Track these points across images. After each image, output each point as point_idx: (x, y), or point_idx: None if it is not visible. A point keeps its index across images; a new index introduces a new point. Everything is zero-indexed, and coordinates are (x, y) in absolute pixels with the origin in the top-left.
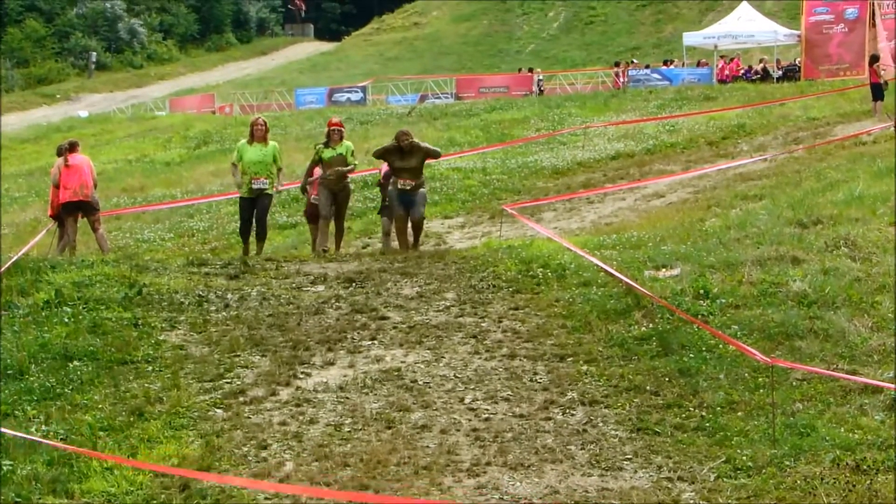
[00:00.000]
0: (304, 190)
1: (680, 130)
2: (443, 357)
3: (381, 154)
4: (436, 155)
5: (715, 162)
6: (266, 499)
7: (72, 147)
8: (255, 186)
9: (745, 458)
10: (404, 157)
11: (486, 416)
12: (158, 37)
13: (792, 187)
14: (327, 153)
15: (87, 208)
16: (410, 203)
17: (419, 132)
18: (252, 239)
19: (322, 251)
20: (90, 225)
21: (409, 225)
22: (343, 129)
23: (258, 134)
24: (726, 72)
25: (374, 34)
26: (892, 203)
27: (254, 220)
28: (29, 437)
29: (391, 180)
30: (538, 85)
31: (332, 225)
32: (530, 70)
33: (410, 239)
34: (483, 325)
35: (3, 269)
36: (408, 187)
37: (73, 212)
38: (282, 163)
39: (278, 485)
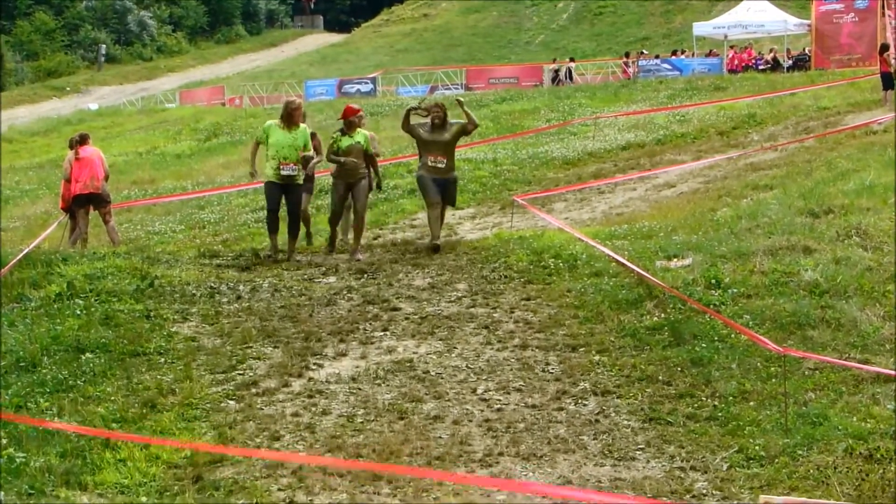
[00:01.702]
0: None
1: (690, 120)
2: (455, 348)
3: (409, 126)
4: (474, 126)
5: (725, 152)
6: (279, 490)
7: (82, 140)
8: (283, 172)
9: (757, 447)
10: (435, 129)
11: (499, 406)
12: (168, 29)
13: (803, 177)
14: (345, 141)
15: (97, 201)
16: (444, 187)
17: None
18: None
19: (331, 251)
20: (101, 217)
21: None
22: (362, 115)
23: (295, 120)
24: (736, 62)
25: (383, 26)
26: None
27: (286, 213)
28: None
29: (419, 162)
30: (566, 73)
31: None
32: (571, 59)
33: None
34: (495, 315)
35: (14, 261)
36: (441, 165)
37: (84, 204)
38: (310, 147)
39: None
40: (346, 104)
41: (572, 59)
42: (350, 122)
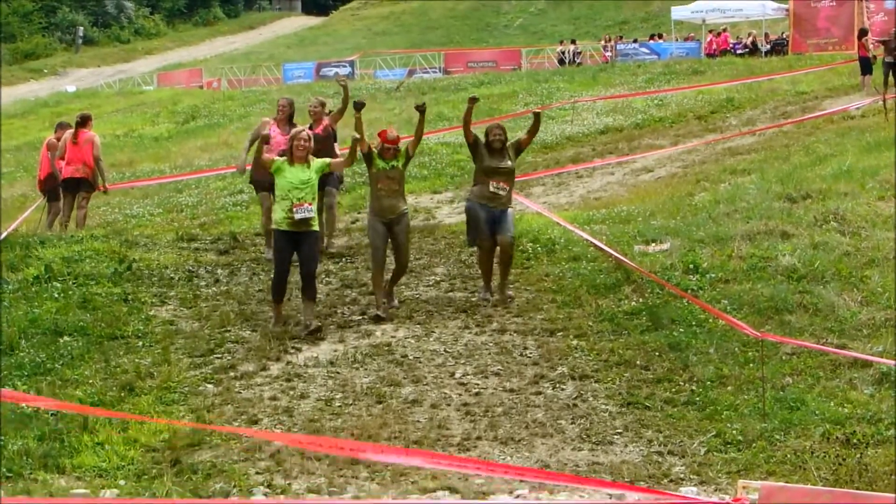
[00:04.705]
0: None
1: (668, 105)
2: (433, 332)
3: (475, 143)
4: (531, 137)
5: (704, 136)
6: (257, 473)
7: (84, 122)
8: (297, 216)
9: (735, 432)
10: (495, 154)
11: (477, 390)
12: (145, 11)
13: (781, 162)
14: (380, 163)
15: (86, 186)
16: (497, 221)
17: (408, 107)
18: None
19: (378, 315)
20: (77, 201)
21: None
22: (399, 146)
23: (298, 153)
24: (714, 46)
25: (361, 8)
26: (881, 177)
27: (300, 274)
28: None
29: (472, 188)
30: (572, 55)
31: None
32: (572, 41)
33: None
34: (473, 299)
35: None
36: (502, 192)
37: (72, 188)
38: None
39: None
40: (382, 130)
41: (573, 41)
42: (386, 147)
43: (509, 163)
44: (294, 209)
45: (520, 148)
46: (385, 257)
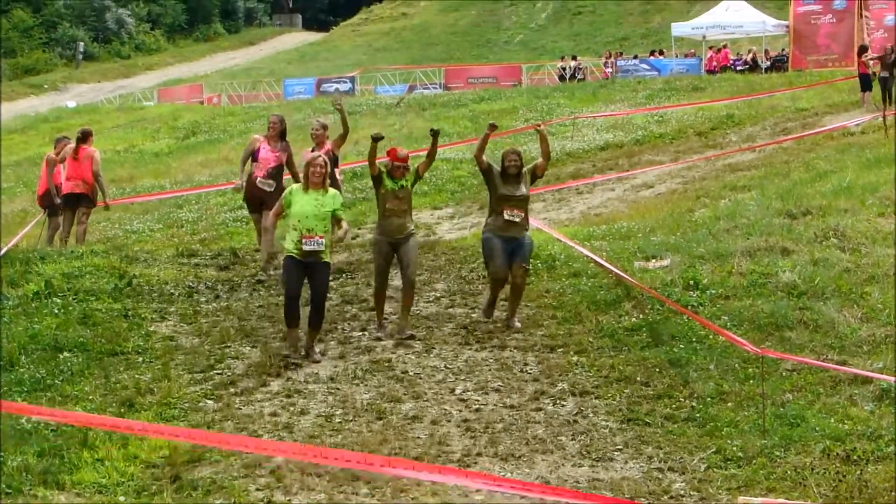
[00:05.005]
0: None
1: (669, 121)
2: (433, 348)
3: (488, 170)
4: (546, 160)
5: (704, 152)
6: (258, 489)
7: (85, 137)
8: (306, 248)
9: (735, 448)
10: (509, 180)
11: (477, 406)
12: (146, 27)
13: (781, 178)
14: (389, 183)
15: (86, 201)
16: (516, 249)
17: (408, 123)
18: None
19: (379, 336)
20: (77, 216)
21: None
22: (408, 164)
23: (315, 178)
24: (714, 62)
25: (362, 24)
26: (881, 194)
27: (310, 300)
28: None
29: (487, 219)
30: (572, 71)
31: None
32: (573, 58)
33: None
34: (473, 316)
35: None
36: (517, 219)
37: (72, 204)
38: (344, 214)
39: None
40: (391, 148)
41: (574, 57)
42: (396, 166)
43: (524, 189)
44: (303, 241)
45: (535, 175)
46: (387, 278)
